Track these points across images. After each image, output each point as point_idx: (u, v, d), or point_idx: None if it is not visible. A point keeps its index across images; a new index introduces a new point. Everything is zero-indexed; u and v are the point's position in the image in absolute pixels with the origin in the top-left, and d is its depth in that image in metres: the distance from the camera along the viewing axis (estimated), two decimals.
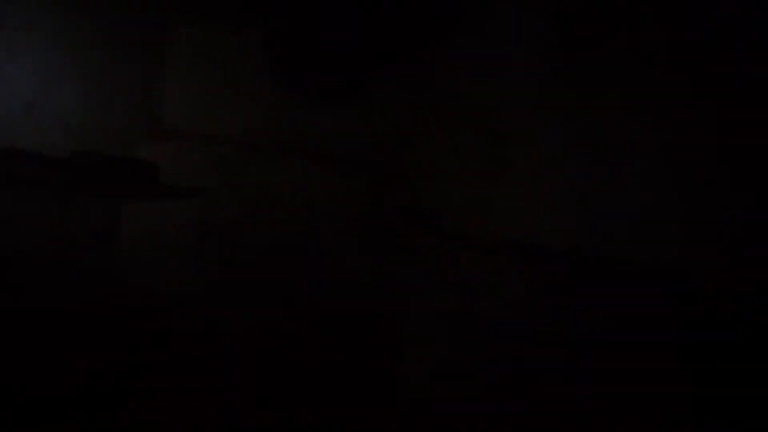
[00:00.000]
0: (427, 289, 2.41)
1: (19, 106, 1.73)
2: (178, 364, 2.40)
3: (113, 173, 1.81)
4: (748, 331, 1.21)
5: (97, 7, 2.12)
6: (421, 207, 2.51)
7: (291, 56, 2.66)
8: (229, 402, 2.39)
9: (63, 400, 1.90)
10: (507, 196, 2.18)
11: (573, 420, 1.72)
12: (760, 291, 1.15)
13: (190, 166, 2.55)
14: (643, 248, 1.65)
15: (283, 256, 2.54)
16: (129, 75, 2.35)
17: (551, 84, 1.96)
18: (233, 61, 2.64)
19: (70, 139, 1.95)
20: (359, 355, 2.51)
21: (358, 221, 2.57)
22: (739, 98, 1.28)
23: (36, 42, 1.91)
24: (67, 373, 1.91)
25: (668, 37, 1.55)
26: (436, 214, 2.42)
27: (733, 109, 1.29)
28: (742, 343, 1.21)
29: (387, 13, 2.70)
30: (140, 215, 2.47)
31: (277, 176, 2.62)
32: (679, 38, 1.51)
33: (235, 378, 2.44)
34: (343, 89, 2.75)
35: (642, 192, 1.72)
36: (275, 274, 2.53)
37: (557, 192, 1.95)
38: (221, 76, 2.63)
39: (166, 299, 2.38)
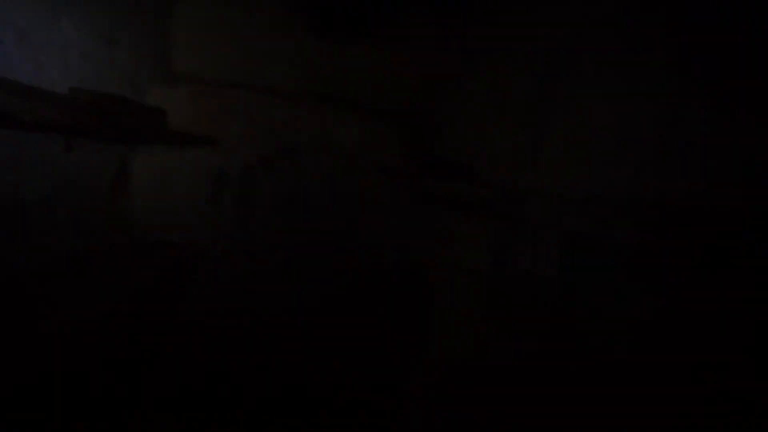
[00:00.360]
0: (459, 242, 2.22)
1: (10, 36, 1.54)
2: (194, 318, 2.29)
3: (115, 114, 1.63)
4: None
5: None
6: (455, 158, 2.28)
7: None
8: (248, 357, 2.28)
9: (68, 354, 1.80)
10: (556, 146, 1.93)
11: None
12: None
13: (203, 113, 2.36)
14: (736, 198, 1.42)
15: (303, 207, 2.37)
16: (136, 11, 2.13)
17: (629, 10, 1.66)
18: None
19: (70, 76, 1.77)
20: (386, 312, 2.36)
21: (387, 171, 2.36)
22: None
23: None
24: (79, 326, 1.81)
25: None
26: (470, 165, 2.19)
27: None
28: None
29: None
30: (152, 164, 2.30)
31: (297, 123, 2.41)
32: None
33: (253, 333, 2.32)
34: (370, 29, 2.47)
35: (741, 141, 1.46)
36: (295, 227, 2.36)
37: (627, 140, 1.70)
38: (237, 16, 2.39)
39: (180, 251, 2.25)
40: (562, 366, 1.81)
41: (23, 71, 1.58)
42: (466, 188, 2.08)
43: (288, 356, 2.26)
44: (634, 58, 1.71)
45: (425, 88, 2.52)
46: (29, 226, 1.76)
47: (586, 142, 1.79)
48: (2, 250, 1.63)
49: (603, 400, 1.63)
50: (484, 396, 2.07)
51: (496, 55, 2.23)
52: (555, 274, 1.90)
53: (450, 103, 2.47)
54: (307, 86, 2.46)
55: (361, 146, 2.40)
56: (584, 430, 1.65)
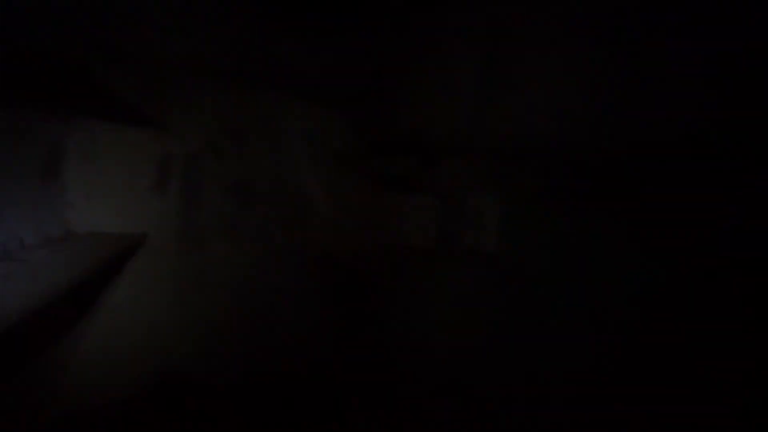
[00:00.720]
0: (408, 222, 2.20)
1: None
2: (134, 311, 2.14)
3: (44, 80, 1.51)
4: None
5: None
6: (405, 140, 2.27)
7: None
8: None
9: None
10: (498, 114, 1.97)
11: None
12: None
13: (147, 95, 2.26)
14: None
15: (252, 193, 2.28)
16: None
17: None
18: None
19: None
20: (343, 303, 2.28)
21: (337, 156, 2.32)
22: None
23: None
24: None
25: None
26: (418, 144, 2.19)
27: None
28: None
29: None
30: (90, 148, 2.18)
31: (243, 107, 2.35)
32: None
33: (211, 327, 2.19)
34: (320, 13, 2.45)
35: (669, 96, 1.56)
36: (244, 214, 2.27)
37: (558, 105, 1.75)
38: None
39: (118, 242, 2.11)
40: (521, 345, 1.77)
41: None
42: (413, 167, 2.07)
43: (243, 347, 2.15)
44: (566, 43, 1.80)
45: (376, 73, 2.51)
46: None
47: (524, 109, 1.84)
48: None
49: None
50: (440, 382, 2.01)
51: (445, 38, 2.25)
52: (495, 249, 1.93)
53: (400, 87, 2.47)
54: (255, 70, 2.41)
55: (311, 131, 2.36)
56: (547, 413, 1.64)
